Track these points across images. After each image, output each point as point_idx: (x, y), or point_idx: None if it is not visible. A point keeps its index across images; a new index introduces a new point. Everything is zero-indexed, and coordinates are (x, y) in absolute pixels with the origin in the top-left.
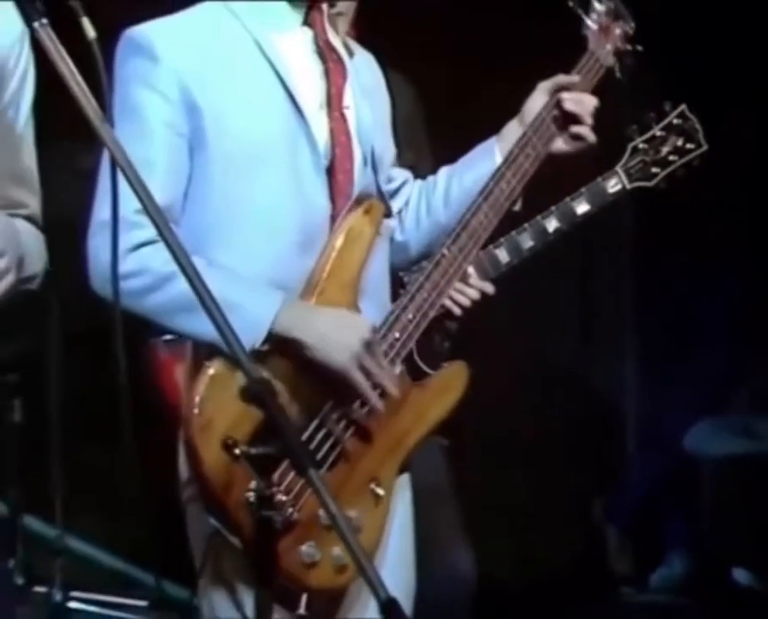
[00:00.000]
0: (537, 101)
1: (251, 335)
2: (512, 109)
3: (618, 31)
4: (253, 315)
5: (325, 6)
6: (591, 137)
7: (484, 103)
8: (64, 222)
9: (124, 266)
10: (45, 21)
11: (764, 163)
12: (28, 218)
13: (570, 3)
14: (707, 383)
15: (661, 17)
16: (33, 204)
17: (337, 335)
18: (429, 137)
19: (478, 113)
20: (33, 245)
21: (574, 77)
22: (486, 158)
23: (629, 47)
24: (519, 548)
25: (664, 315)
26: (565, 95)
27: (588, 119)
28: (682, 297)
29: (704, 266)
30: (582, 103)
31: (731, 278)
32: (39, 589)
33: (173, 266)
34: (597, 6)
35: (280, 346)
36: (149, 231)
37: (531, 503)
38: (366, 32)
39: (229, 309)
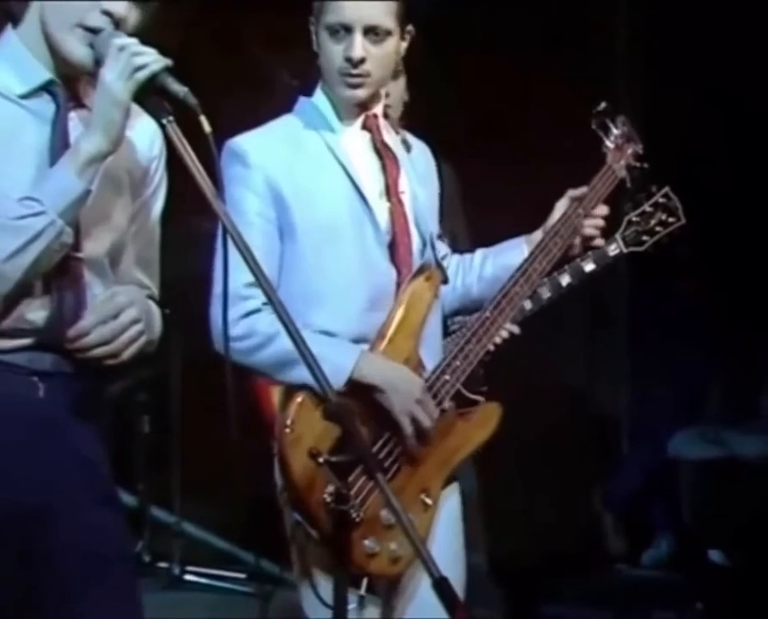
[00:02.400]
0: (557, 213)
1: (334, 379)
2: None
3: (630, 150)
4: (337, 364)
5: (379, 110)
6: (597, 240)
7: (509, 183)
8: (185, 274)
9: (236, 330)
10: (171, 118)
11: (723, 231)
12: (150, 297)
13: (593, 126)
14: (686, 400)
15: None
16: (154, 287)
17: (402, 388)
18: (465, 210)
19: (503, 191)
20: (154, 317)
21: (583, 189)
22: (515, 250)
23: (638, 164)
24: (532, 531)
25: (651, 346)
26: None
27: (597, 232)
28: (665, 332)
29: (682, 311)
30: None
31: (705, 318)
32: (162, 564)
33: (274, 329)
34: (614, 130)
35: (356, 389)
36: (255, 302)
37: (542, 494)
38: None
39: (318, 359)
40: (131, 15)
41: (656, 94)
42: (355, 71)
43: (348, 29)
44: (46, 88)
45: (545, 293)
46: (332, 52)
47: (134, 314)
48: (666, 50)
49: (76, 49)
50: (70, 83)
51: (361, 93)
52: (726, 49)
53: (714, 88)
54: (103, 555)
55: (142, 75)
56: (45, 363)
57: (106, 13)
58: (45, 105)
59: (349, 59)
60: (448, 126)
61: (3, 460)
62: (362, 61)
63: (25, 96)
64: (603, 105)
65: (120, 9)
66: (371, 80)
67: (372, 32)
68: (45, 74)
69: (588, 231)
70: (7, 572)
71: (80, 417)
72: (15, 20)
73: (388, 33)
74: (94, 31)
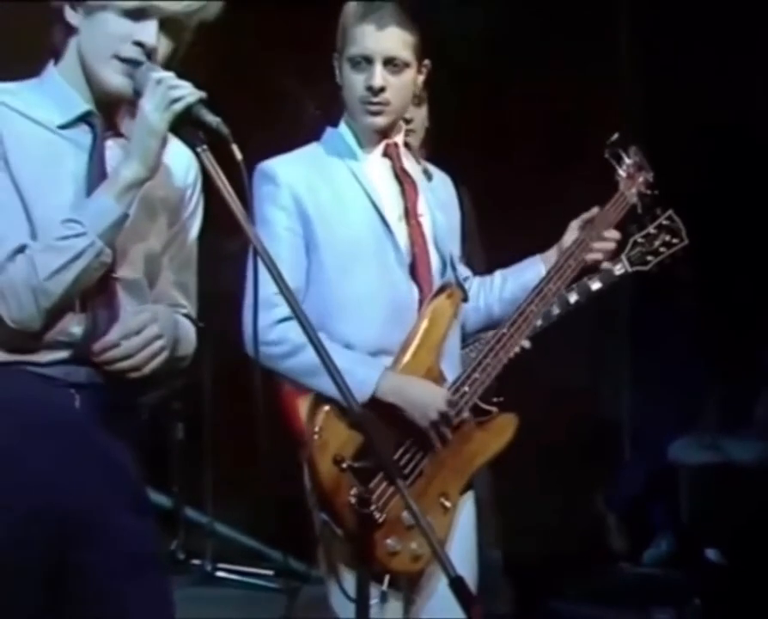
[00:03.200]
0: (571, 234)
1: (357, 396)
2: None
3: (641, 178)
4: (360, 381)
5: (399, 139)
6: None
7: (521, 207)
8: (216, 289)
9: (268, 336)
10: (205, 147)
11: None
12: (186, 316)
13: (606, 156)
14: (685, 408)
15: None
16: (189, 306)
17: (420, 403)
18: (480, 234)
19: (516, 215)
20: (186, 334)
21: (594, 210)
22: (532, 270)
23: (648, 191)
24: (541, 531)
25: (652, 358)
26: (596, 245)
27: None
28: (666, 344)
29: (683, 325)
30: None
31: (704, 333)
32: (195, 562)
33: (304, 339)
34: (626, 160)
35: (378, 405)
36: (288, 309)
37: (549, 496)
38: (437, 152)
39: (345, 373)
40: (162, 45)
41: (657, 95)
42: (375, 100)
43: (369, 60)
44: (84, 118)
45: (555, 310)
46: (354, 83)
47: (156, 330)
48: (667, 50)
49: (113, 78)
50: (108, 113)
51: (380, 120)
52: (726, 49)
53: (715, 91)
54: (136, 558)
55: (178, 106)
56: (81, 376)
57: (138, 44)
58: (84, 135)
59: (369, 88)
60: (450, 127)
61: (41, 467)
62: (382, 90)
63: (64, 127)
64: (615, 136)
65: (151, 39)
66: (390, 108)
67: (391, 63)
68: (83, 106)
69: (595, 255)
70: (41, 574)
71: (113, 426)
72: (57, 55)
73: (406, 64)
74: (128, 61)
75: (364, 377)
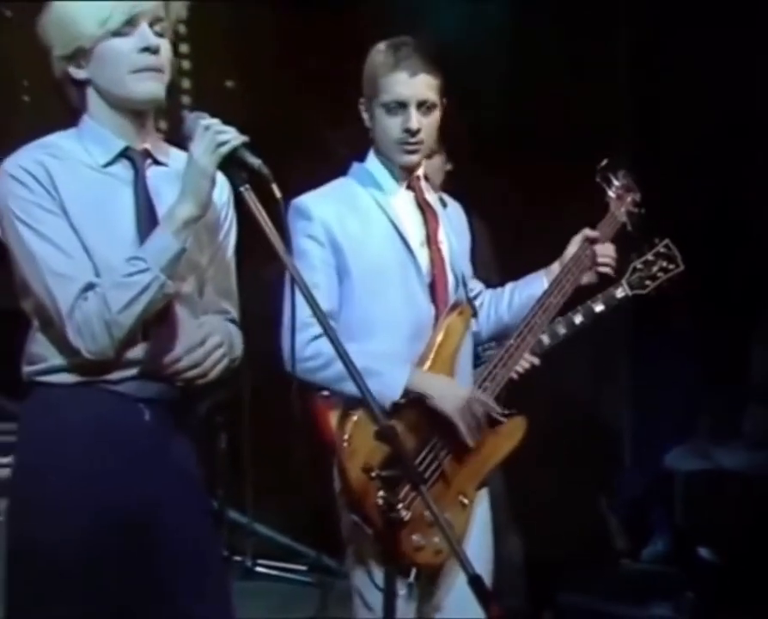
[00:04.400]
0: (572, 248)
1: (391, 392)
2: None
3: (629, 199)
4: (393, 378)
5: (421, 173)
6: (611, 273)
7: (529, 237)
8: (253, 315)
9: (305, 352)
10: (247, 186)
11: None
12: (232, 320)
13: (597, 179)
14: (680, 419)
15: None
16: (234, 311)
17: (450, 394)
18: (496, 260)
19: (524, 244)
20: (236, 337)
21: (597, 232)
22: (537, 282)
23: (637, 210)
24: (549, 531)
25: (651, 371)
26: (598, 250)
27: (612, 263)
28: (664, 359)
29: (679, 340)
30: (608, 253)
31: (698, 350)
32: (237, 558)
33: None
34: (615, 182)
35: (410, 399)
36: (320, 328)
37: (558, 499)
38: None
39: (376, 375)
40: (162, 45)
41: (658, 110)
42: (412, 140)
43: (403, 105)
44: (124, 154)
45: (561, 330)
46: (390, 126)
47: (216, 340)
48: (666, 51)
49: (141, 87)
50: (140, 136)
51: (416, 158)
52: (727, 51)
53: (715, 94)
54: (206, 559)
55: (224, 149)
56: (148, 391)
57: (144, 49)
58: (126, 170)
59: (407, 130)
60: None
61: (117, 478)
62: (418, 131)
63: (107, 165)
64: (605, 161)
65: (151, 39)
66: (424, 147)
67: (423, 106)
68: (120, 143)
69: (602, 260)
70: (118, 576)
71: (179, 436)
72: (76, 110)
73: (434, 105)
74: (144, 70)
75: (397, 375)
